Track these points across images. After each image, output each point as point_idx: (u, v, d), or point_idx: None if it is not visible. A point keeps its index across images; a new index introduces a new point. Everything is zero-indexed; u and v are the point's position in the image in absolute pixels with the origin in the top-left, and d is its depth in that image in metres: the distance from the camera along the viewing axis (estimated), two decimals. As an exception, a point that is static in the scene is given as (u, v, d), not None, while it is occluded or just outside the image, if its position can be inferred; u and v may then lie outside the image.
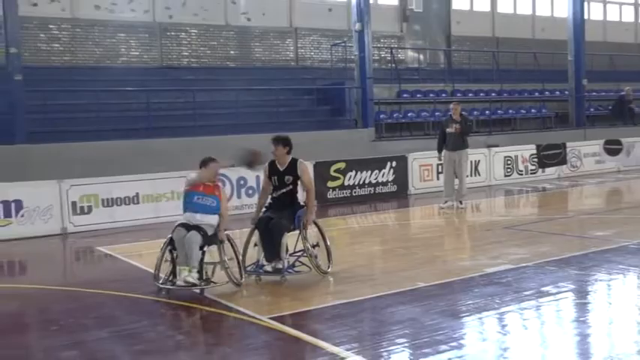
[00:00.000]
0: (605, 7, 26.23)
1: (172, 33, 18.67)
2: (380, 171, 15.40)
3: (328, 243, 8.12)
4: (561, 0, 22.93)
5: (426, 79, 21.25)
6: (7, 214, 11.49)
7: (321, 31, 20.75)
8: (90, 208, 12.11)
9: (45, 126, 13.94)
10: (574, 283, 7.52)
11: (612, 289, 7.49)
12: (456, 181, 13.35)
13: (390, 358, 5.50)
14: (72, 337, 6.17)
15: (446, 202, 13.32)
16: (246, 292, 7.28)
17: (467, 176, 13.79)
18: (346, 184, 14.95)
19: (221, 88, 16.98)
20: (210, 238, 7.31)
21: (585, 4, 22.37)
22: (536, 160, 17.89)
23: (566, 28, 21.80)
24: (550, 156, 17.99)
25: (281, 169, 7.86)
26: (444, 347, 5.56)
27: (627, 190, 16.97)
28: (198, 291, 7.21)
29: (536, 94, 22.25)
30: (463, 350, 5.60)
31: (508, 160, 17.62)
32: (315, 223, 8.09)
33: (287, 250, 7.75)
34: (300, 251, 7.88)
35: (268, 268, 7.71)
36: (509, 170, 17.60)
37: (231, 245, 7.53)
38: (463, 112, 13.70)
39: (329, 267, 8.03)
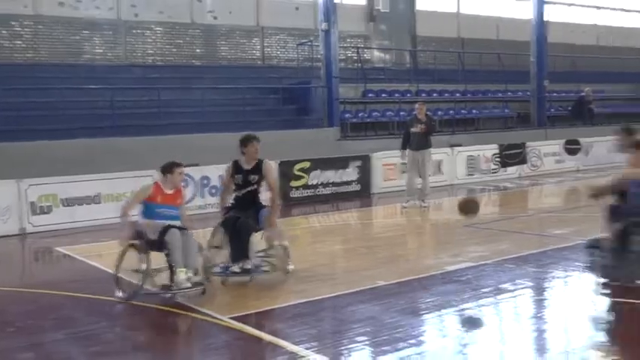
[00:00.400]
0: (566, 9, 26.60)
1: (137, 31, 18.43)
2: (344, 170, 15.41)
3: (287, 243, 8.07)
4: (525, 2, 23.21)
5: (391, 78, 21.30)
6: (-35, 214, 11.23)
7: (287, 30, 20.69)
8: (49, 208, 11.88)
9: (6, 124, 13.63)
10: (532, 280, 7.65)
11: (568, 286, 7.63)
12: (419, 180, 13.42)
13: (349, 356, 5.51)
14: (29, 338, 6.06)
15: (408, 201, 13.38)
16: (207, 292, 7.18)
17: (430, 175, 13.86)
18: (310, 183, 14.91)
19: (186, 86, 16.82)
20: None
21: (547, 6, 22.73)
22: (498, 159, 18.09)
23: (529, 29, 22.11)
24: (511, 155, 18.20)
25: (247, 168, 7.79)
26: (403, 345, 5.59)
27: (585, 189, 17.20)
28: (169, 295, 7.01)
29: (499, 94, 22.49)
30: (422, 347, 5.65)
31: (471, 159, 17.78)
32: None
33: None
34: (262, 251, 7.84)
35: (236, 269, 7.55)
36: (471, 169, 17.76)
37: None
38: (428, 112, 13.78)
39: (289, 266, 7.99)
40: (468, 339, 5.93)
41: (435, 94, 21.18)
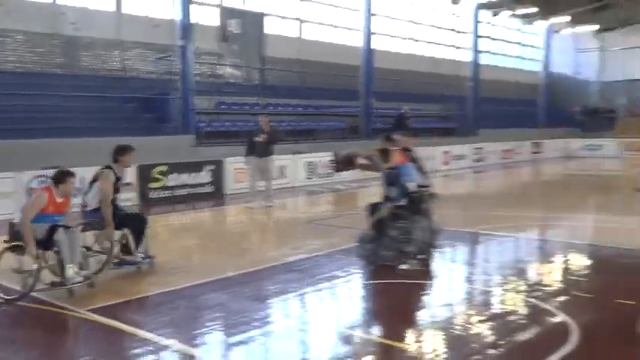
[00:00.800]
0: (390, 40, 28.00)
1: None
2: (198, 173, 15.21)
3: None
4: (356, 32, 24.21)
5: (242, 92, 21.26)
6: None
7: (147, 45, 19.95)
8: None
9: None
10: (359, 268, 7.98)
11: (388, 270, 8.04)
12: (262, 183, 13.57)
13: (201, 339, 5.46)
14: None
15: (252, 202, 13.51)
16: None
17: (273, 179, 14.07)
18: (168, 185, 14.56)
19: (42, 92, 15.67)
20: None
21: (374, 37, 23.96)
22: (333, 165, 18.60)
23: (360, 55, 23.19)
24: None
25: (119, 176, 7.59)
26: (248, 327, 5.64)
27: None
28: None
29: (334, 109, 23.31)
30: (266, 328, 5.72)
31: (310, 165, 18.26)
32: None
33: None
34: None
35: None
36: (310, 174, 18.23)
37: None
38: (272, 124, 13.94)
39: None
40: (307, 319, 6.11)
41: (280, 108, 21.49)
